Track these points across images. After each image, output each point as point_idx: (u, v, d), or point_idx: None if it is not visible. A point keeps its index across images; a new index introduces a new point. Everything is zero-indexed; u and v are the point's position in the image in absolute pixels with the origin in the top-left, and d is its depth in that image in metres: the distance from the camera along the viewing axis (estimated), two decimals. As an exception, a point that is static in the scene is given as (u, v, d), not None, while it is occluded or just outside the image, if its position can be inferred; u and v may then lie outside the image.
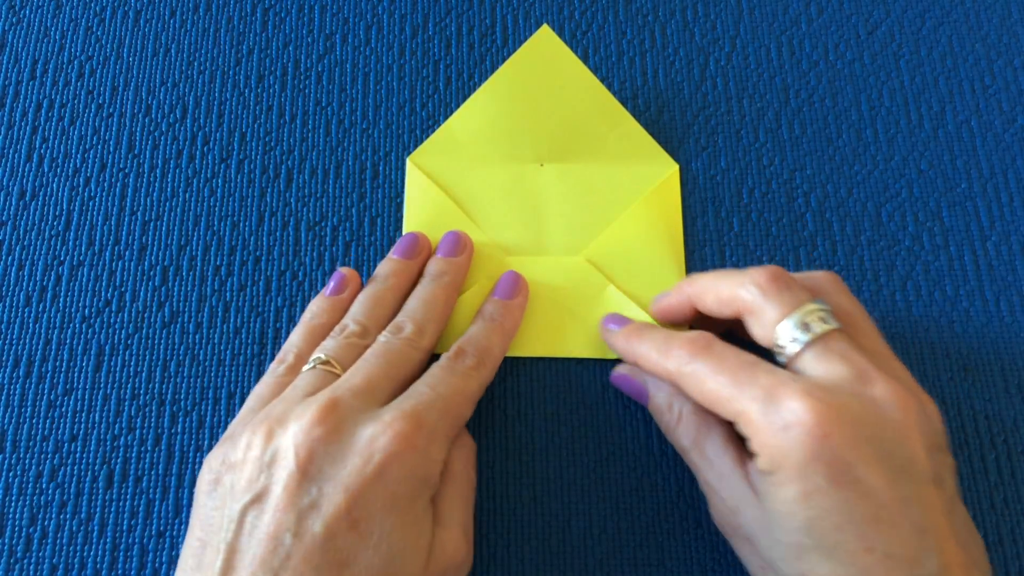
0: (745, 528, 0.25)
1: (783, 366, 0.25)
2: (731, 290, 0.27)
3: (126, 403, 0.31)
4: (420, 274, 0.32)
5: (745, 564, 0.26)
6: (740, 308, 0.26)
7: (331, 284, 0.32)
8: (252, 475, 0.24)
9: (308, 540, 0.23)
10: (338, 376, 0.28)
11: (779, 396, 0.23)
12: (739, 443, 0.26)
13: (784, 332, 0.25)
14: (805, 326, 0.25)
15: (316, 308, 0.31)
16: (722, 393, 0.25)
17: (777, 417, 0.23)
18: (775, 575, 0.24)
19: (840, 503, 0.22)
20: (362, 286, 0.32)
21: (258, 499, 0.24)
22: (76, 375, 0.32)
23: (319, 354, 0.28)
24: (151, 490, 0.30)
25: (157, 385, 0.32)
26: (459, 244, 0.32)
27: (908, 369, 0.26)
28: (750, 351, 0.26)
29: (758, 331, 0.26)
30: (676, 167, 0.35)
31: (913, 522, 0.22)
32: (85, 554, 0.29)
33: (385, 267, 0.32)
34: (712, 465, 0.26)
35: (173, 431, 0.31)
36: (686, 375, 0.26)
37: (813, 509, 0.22)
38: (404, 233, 0.34)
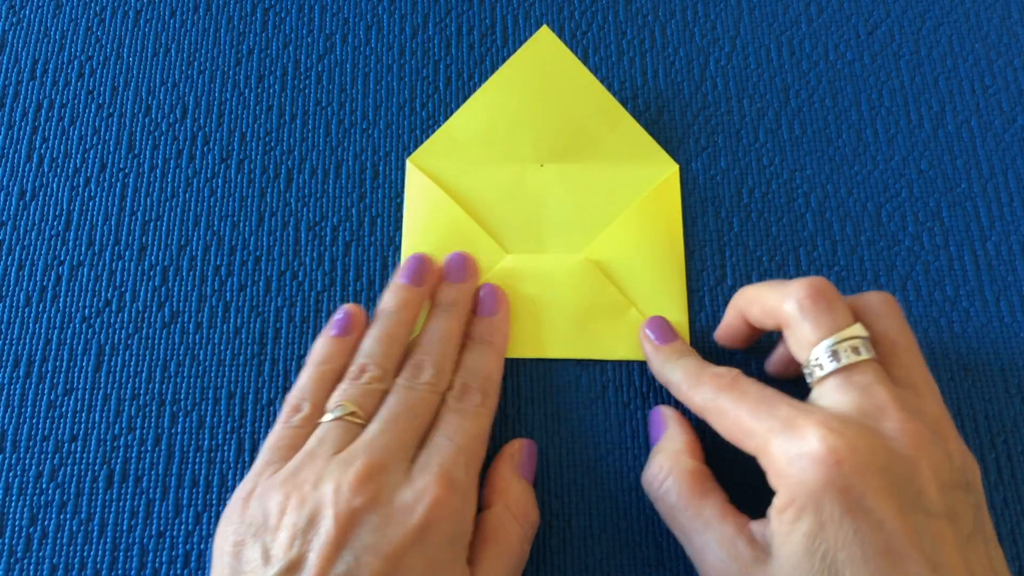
0: None
1: (811, 386, 0.26)
2: (775, 302, 0.26)
3: (126, 403, 0.31)
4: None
5: None
6: (781, 321, 0.26)
7: (337, 324, 0.30)
8: (286, 542, 0.24)
9: None
10: (362, 425, 0.27)
11: (795, 426, 0.24)
12: (736, 511, 0.26)
13: (815, 356, 0.25)
14: (835, 354, 0.25)
15: (325, 352, 0.30)
16: (743, 425, 0.25)
17: (792, 447, 0.23)
18: None
19: (853, 533, 0.22)
20: (367, 316, 0.31)
21: (292, 568, 0.23)
22: (76, 375, 0.32)
23: (343, 401, 0.28)
24: (151, 490, 0.30)
25: (157, 385, 0.32)
26: (467, 268, 0.32)
27: (943, 406, 0.26)
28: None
29: (793, 347, 0.26)
30: (676, 167, 0.35)
31: (924, 555, 0.22)
32: (85, 554, 0.29)
33: (395, 297, 0.31)
34: (710, 527, 0.25)
35: (173, 431, 0.31)
36: (710, 409, 0.27)
37: (827, 542, 0.22)
38: (403, 237, 0.34)
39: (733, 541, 0.25)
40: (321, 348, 0.30)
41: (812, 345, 0.25)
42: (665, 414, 0.30)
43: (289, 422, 0.28)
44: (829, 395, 0.25)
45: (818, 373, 0.25)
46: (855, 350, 0.25)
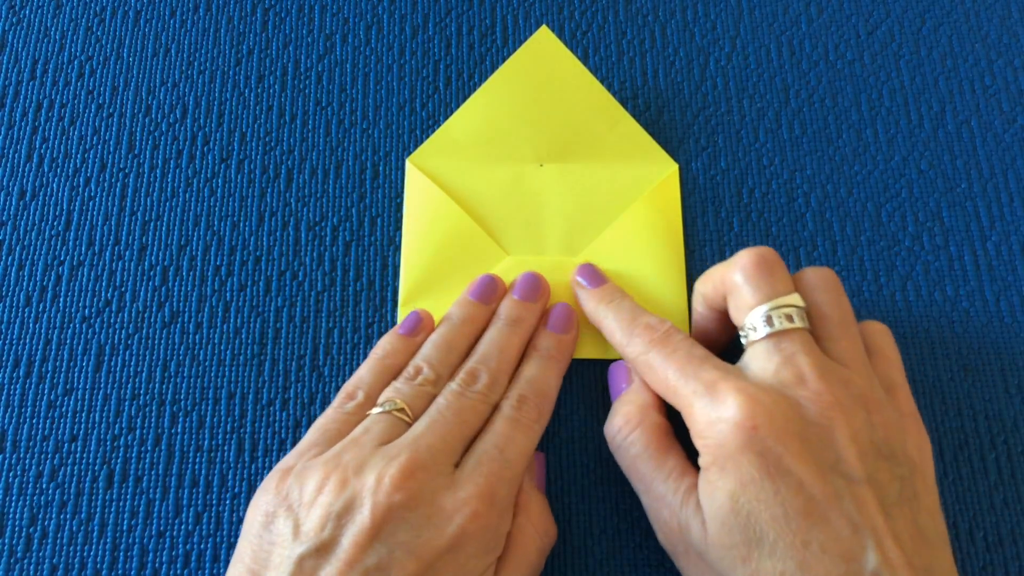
0: (696, 543, 0.25)
1: (745, 348, 0.26)
2: (722, 272, 0.27)
3: (126, 403, 0.31)
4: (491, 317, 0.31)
5: None
6: (727, 290, 0.27)
7: (405, 323, 0.31)
8: (319, 522, 0.24)
9: None
10: (408, 423, 0.27)
11: (717, 391, 0.25)
12: (694, 469, 0.26)
13: (751, 320, 0.26)
14: (769, 319, 0.25)
15: (389, 347, 0.30)
16: (670, 384, 0.26)
17: (712, 411, 0.24)
18: None
19: (773, 494, 0.23)
20: (432, 327, 0.31)
21: (322, 549, 0.23)
22: (76, 375, 0.32)
23: (394, 397, 0.28)
24: (151, 490, 0.30)
25: (157, 385, 0.32)
26: (540, 289, 0.31)
27: (877, 376, 0.26)
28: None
29: (733, 311, 0.27)
30: (676, 167, 0.35)
31: (846, 517, 0.23)
32: (85, 554, 0.29)
33: (461, 310, 0.31)
34: (671, 478, 0.26)
35: (173, 431, 0.31)
36: (641, 364, 0.28)
37: (750, 502, 0.23)
38: (403, 237, 0.34)
39: (688, 495, 0.25)
40: (385, 343, 0.30)
41: (749, 309, 0.26)
42: (629, 368, 0.30)
43: (342, 408, 0.28)
44: (757, 360, 0.25)
45: (752, 336, 0.26)
46: (788, 318, 0.25)
